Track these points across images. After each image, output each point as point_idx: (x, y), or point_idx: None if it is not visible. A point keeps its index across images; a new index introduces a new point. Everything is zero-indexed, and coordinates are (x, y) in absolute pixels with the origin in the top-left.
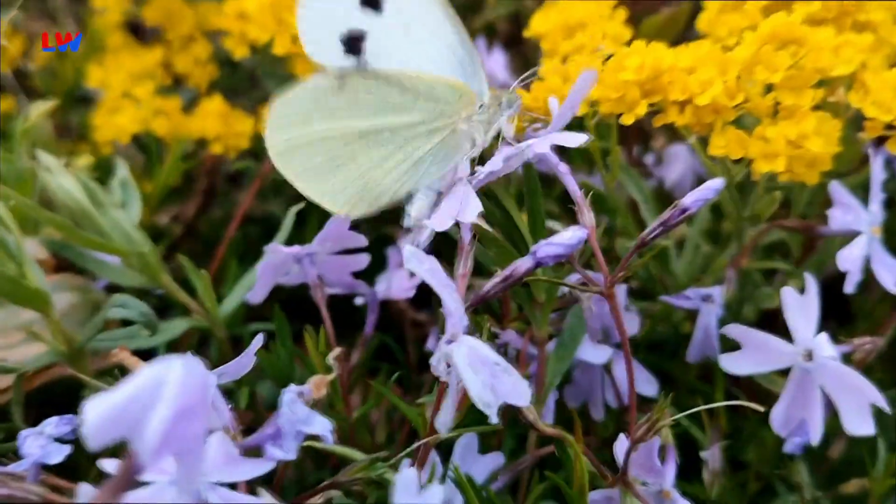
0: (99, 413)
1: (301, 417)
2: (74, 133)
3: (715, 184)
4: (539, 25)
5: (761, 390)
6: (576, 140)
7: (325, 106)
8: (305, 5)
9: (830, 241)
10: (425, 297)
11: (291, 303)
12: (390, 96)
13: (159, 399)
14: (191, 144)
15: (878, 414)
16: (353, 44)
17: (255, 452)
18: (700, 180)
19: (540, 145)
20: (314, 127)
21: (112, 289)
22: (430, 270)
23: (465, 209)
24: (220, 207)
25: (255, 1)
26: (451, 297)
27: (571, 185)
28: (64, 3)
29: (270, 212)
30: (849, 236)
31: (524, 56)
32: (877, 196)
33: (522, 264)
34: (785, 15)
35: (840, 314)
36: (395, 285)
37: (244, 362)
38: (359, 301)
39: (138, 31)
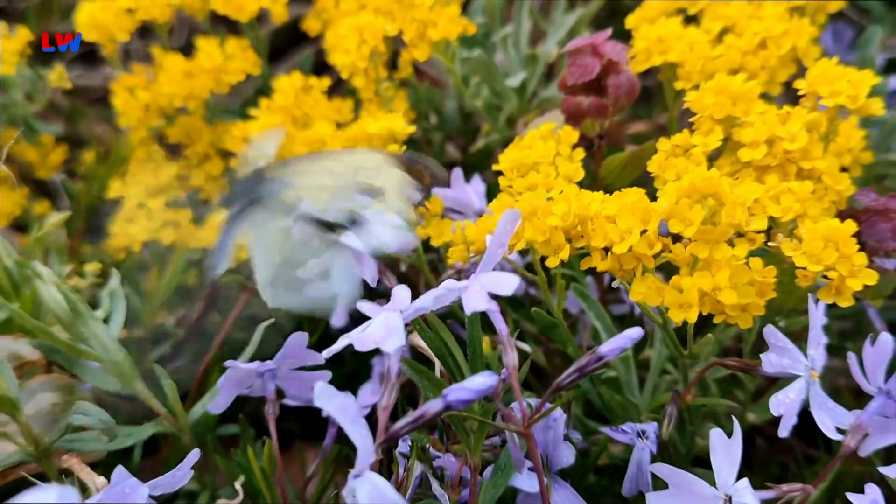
0: None
1: None
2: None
3: (632, 333)
4: (502, 162)
5: None
6: (507, 286)
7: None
8: None
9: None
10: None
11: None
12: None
13: None
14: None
15: None
16: None
17: None
18: None
19: (472, 289)
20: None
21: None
22: (339, 408)
23: (390, 338)
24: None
25: (258, 127)
26: (358, 435)
27: (500, 324)
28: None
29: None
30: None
31: None
32: (816, 340)
33: (433, 406)
34: (704, 169)
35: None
36: (361, 400)
37: (179, 475)
38: (324, 414)
39: None
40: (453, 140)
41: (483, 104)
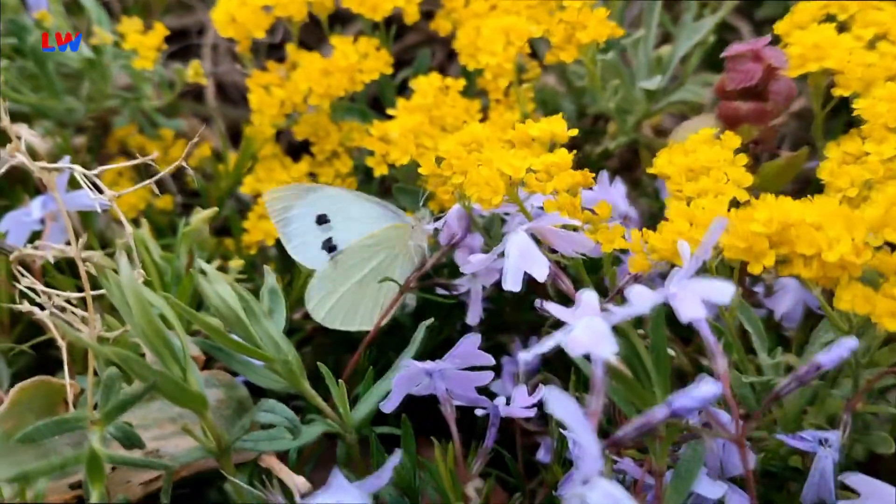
0: None
1: None
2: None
3: (849, 343)
4: (664, 166)
5: None
6: (724, 294)
7: (331, 279)
8: (290, 247)
9: None
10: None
11: (410, 406)
12: (361, 254)
13: None
14: None
15: None
16: (328, 246)
17: None
18: (810, 314)
19: (685, 297)
20: (331, 295)
21: (249, 385)
22: (570, 413)
23: (601, 343)
24: None
25: (398, 127)
26: (589, 441)
27: (706, 332)
28: (217, 108)
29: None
30: None
31: (637, 181)
32: None
33: (658, 413)
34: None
35: None
36: (516, 403)
37: (382, 478)
38: (479, 412)
39: None
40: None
41: (615, 107)
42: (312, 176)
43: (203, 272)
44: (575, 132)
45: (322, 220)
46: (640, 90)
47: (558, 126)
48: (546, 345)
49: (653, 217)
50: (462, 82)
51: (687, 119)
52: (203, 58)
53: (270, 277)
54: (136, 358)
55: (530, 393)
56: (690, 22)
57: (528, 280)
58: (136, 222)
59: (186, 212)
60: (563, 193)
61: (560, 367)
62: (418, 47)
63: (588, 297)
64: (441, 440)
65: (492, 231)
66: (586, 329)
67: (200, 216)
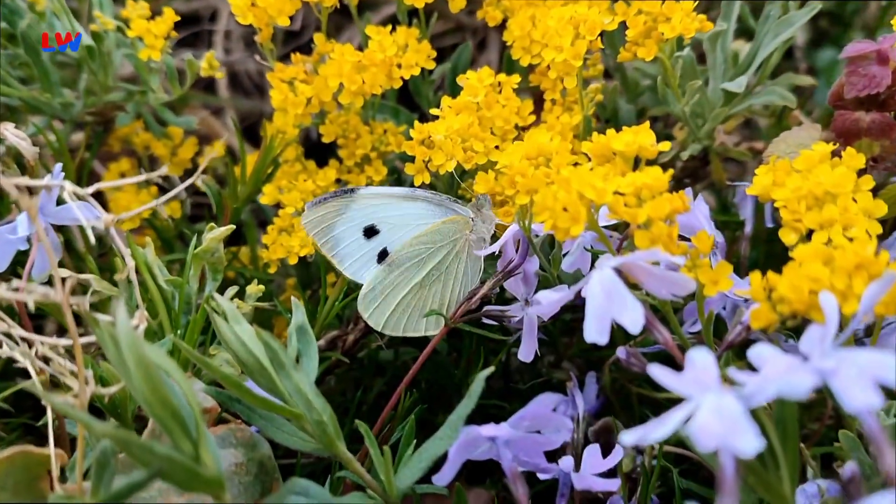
0: None
1: None
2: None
3: None
4: (770, 189)
5: None
6: None
7: (386, 285)
8: (344, 268)
9: None
10: None
11: None
12: (418, 254)
13: None
14: None
15: None
16: (381, 256)
17: None
18: None
19: (849, 376)
20: (390, 301)
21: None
22: None
23: (739, 435)
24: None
25: (443, 129)
26: None
27: (873, 424)
28: (229, 99)
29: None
30: None
31: (714, 189)
32: None
33: None
34: None
35: None
36: (589, 467)
37: None
38: (543, 476)
39: None
40: None
41: (691, 109)
42: (340, 183)
43: (220, 311)
44: (667, 146)
45: (371, 231)
46: (719, 92)
47: (645, 138)
48: (659, 430)
49: (734, 240)
50: (516, 78)
51: (755, 125)
52: (215, 45)
53: (299, 313)
54: (138, 441)
55: (603, 449)
56: (776, 16)
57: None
58: (139, 229)
59: (196, 216)
60: (658, 223)
61: (621, 398)
62: (444, 37)
63: (703, 360)
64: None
65: (552, 253)
66: (716, 414)
67: (213, 235)
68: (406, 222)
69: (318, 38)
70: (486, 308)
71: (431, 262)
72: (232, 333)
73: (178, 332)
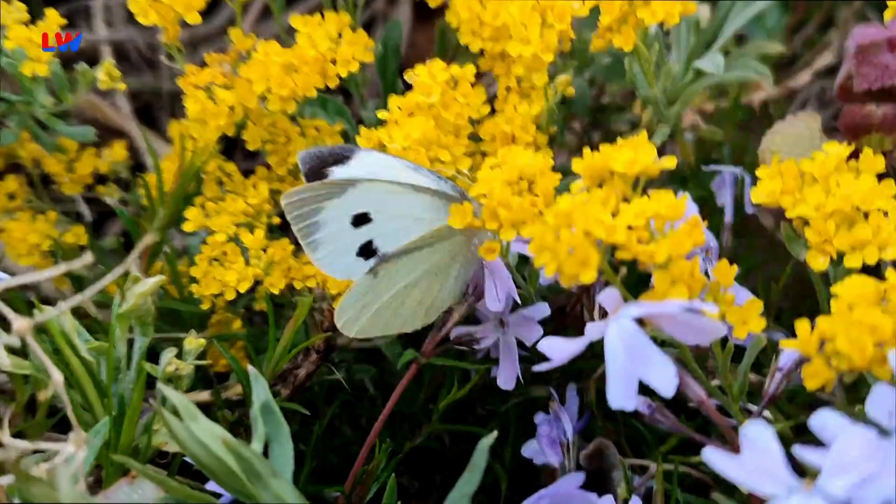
0: None
1: None
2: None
3: None
4: (797, 208)
5: None
6: None
7: (368, 293)
8: (317, 257)
9: None
10: None
11: None
12: (409, 263)
13: None
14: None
15: None
16: (366, 251)
17: None
18: None
19: None
20: (370, 306)
21: None
22: None
23: None
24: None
25: (400, 138)
26: None
27: None
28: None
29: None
30: None
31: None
32: None
33: None
34: None
35: None
36: None
37: None
38: None
39: None
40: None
41: (661, 89)
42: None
43: (171, 408)
44: (672, 163)
45: (361, 220)
46: (690, 70)
47: (646, 155)
48: None
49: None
50: (472, 69)
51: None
52: (94, 19)
53: (260, 388)
54: None
55: (597, 475)
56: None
57: (555, 308)
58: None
59: (100, 229)
60: (679, 260)
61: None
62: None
63: (764, 439)
64: None
65: (528, 269)
66: None
67: (140, 289)
68: (403, 213)
69: (235, 34)
70: (455, 334)
71: (426, 263)
72: (188, 434)
73: (112, 411)
